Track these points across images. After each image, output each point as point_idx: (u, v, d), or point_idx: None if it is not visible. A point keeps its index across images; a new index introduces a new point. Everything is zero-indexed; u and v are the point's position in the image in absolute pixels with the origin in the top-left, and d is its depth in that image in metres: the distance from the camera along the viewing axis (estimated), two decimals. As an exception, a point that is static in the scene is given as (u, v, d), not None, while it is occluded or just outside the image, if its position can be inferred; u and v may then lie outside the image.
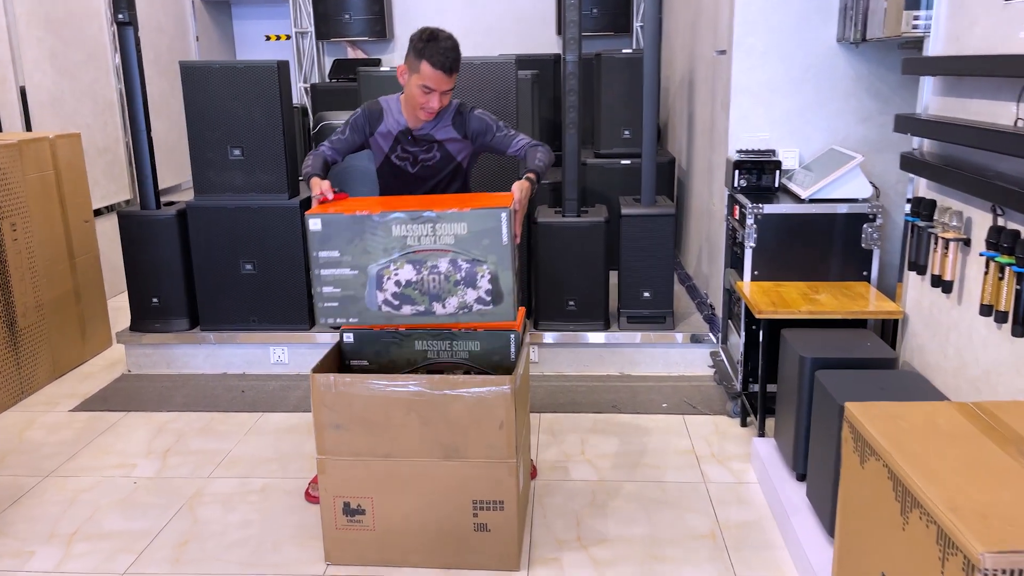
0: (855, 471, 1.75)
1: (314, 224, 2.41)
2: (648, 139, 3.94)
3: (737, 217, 3.57)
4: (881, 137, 3.67)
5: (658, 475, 3.06)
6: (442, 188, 2.89)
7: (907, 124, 2.69)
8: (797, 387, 2.71)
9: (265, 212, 4.06)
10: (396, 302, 2.44)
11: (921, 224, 2.65)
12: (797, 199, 3.37)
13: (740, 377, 3.44)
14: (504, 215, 2.37)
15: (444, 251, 2.41)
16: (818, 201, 3.31)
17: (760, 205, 3.28)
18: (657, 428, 3.45)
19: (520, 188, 2.59)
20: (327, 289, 2.42)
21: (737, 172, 3.53)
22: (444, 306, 2.43)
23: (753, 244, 3.31)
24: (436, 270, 2.42)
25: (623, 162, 5.00)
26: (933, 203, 2.64)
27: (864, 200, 3.30)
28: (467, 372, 2.65)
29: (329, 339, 4.12)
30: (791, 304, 3.01)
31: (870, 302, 3.02)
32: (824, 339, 2.82)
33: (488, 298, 2.46)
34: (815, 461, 2.55)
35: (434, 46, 2.60)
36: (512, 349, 2.63)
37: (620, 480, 3.02)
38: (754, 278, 3.34)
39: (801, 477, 2.78)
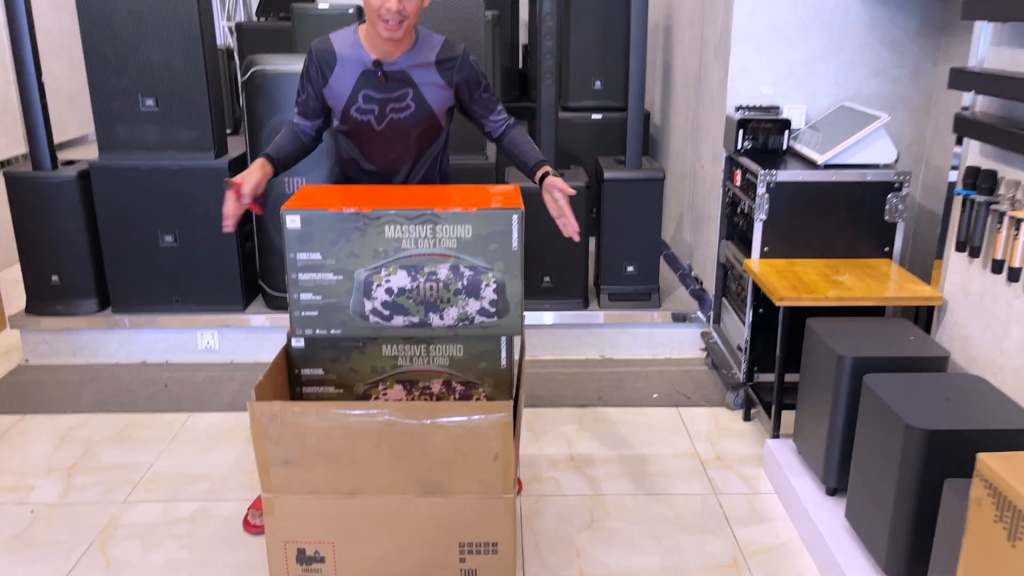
0: (1000, 549, 1.35)
1: (292, 221, 1.96)
2: (635, 90, 3.45)
3: (739, 184, 3.14)
4: (894, 93, 3.26)
5: (661, 486, 2.65)
6: (416, 155, 2.35)
7: (968, 80, 2.27)
8: (833, 390, 2.31)
9: (187, 174, 3.44)
10: (386, 312, 2.00)
11: (980, 199, 2.25)
12: (810, 164, 2.94)
13: (744, 366, 3.04)
14: (516, 217, 1.96)
15: (445, 256, 1.96)
16: (835, 167, 2.89)
17: (773, 172, 2.85)
18: (650, 424, 3.04)
19: (562, 180, 2.16)
20: (306, 296, 1.99)
21: (741, 132, 3.08)
22: (442, 317, 2.01)
23: (764, 216, 2.88)
24: (434, 277, 1.98)
25: (594, 117, 4.50)
26: (993, 174, 2.24)
27: (887, 166, 2.90)
28: (446, 383, 2.17)
29: (265, 321, 3.57)
30: (815, 289, 2.60)
31: (901, 285, 2.64)
32: (859, 331, 2.42)
33: (492, 309, 2.02)
34: (861, 480, 2.17)
35: None
36: (503, 354, 2.15)
37: (618, 493, 2.61)
38: (764, 255, 2.92)
39: (832, 492, 2.40)
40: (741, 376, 3.06)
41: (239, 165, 3.54)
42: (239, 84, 4.25)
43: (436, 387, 2.17)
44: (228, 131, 4.51)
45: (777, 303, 2.57)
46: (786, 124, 3.08)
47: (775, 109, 3.21)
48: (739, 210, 3.14)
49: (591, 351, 3.63)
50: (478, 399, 2.18)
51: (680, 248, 4.20)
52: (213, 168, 3.44)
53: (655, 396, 3.25)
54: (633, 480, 2.68)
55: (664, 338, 3.63)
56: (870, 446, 2.11)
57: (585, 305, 3.61)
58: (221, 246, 3.52)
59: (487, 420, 1.86)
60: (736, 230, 3.29)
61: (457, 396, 2.17)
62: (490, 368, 2.15)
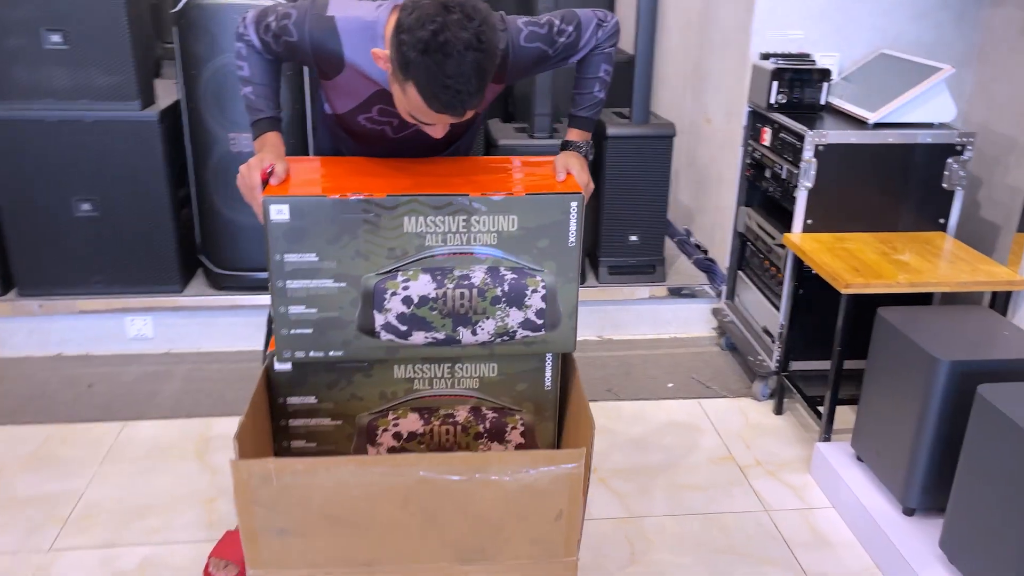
0: None
1: (279, 212, 1.46)
2: (645, 33, 2.98)
3: (768, 143, 2.73)
4: (937, 39, 2.88)
5: (703, 502, 2.28)
6: (440, 151, 1.84)
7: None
8: (923, 397, 1.96)
9: (106, 128, 2.82)
10: (403, 327, 1.54)
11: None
12: (855, 123, 2.55)
13: (777, 353, 2.68)
14: (575, 205, 1.51)
15: (481, 255, 1.47)
16: (887, 126, 2.51)
17: (823, 132, 2.44)
18: (672, 422, 2.67)
19: (580, 166, 1.64)
20: (296, 310, 1.52)
21: (776, 84, 2.66)
22: (474, 332, 1.54)
23: (810, 184, 2.48)
24: (467, 282, 1.49)
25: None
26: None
27: (943, 125, 2.53)
28: (474, 410, 1.71)
29: (208, 302, 3.02)
30: (881, 272, 2.23)
31: (975, 267, 2.29)
32: (941, 324, 2.07)
33: (539, 321, 1.58)
34: (967, 505, 1.83)
35: (435, 72, 1.34)
36: (548, 373, 1.70)
37: (657, 515, 2.22)
38: (807, 228, 2.53)
39: (911, 512, 2.07)
40: (772, 364, 2.70)
41: (172, 118, 2.93)
42: (168, 15, 3.57)
43: (461, 415, 1.71)
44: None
45: (843, 290, 2.19)
46: (825, 75, 2.67)
47: (805, 57, 2.79)
48: (767, 174, 2.74)
49: (588, 331, 3.22)
50: (514, 428, 1.74)
51: (675, 211, 3.80)
52: (139, 120, 2.83)
53: (670, 386, 2.87)
54: (669, 496, 2.30)
55: (669, 315, 3.24)
56: (986, 467, 1.77)
57: (583, 280, 3.18)
58: (151, 214, 2.93)
59: (553, 473, 1.42)
60: (763, 197, 2.89)
61: (488, 425, 1.73)
62: (531, 391, 1.71)
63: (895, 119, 2.50)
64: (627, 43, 4.38)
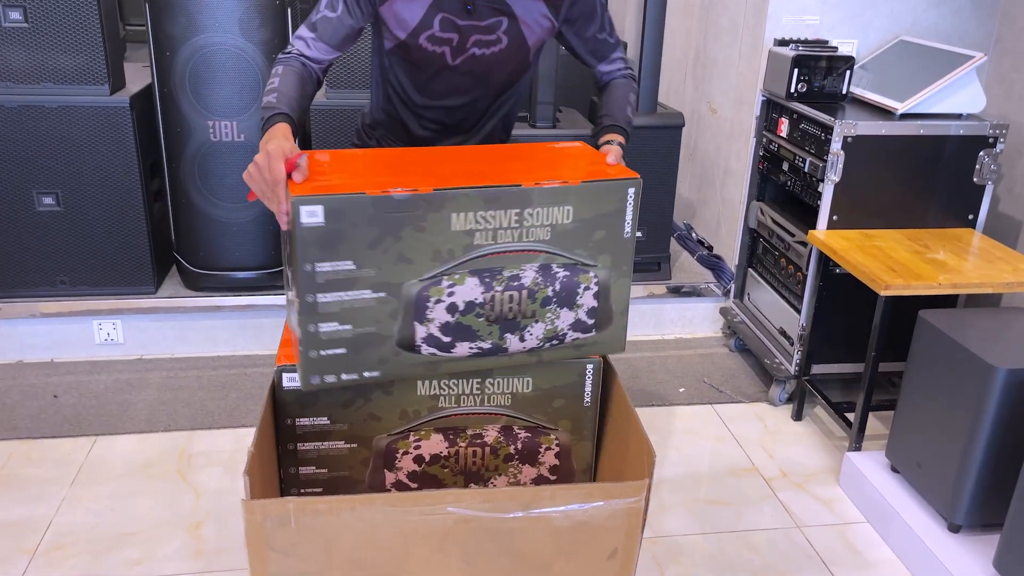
0: None
1: (311, 215, 1.24)
2: (654, 16, 2.81)
3: (786, 134, 2.59)
4: (956, 26, 2.77)
5: (731, 519, 2.13)
6: (492, 101, 1.73)
7: None
8: (975, 407, 1.83)
9: (71, 115, 2.57)
10: (447, 339, 1.35)
11: None
12: (881, 113, 2.42)
13: (798, 356, 2.54)
14: (632, 191, 1.37)
15: (534, 252, 1.31)
16: (915, 117, 2.38)
17: (852, 123, 2.30)
18: (688, 429, 2.52)
19: (617, 154, 1.52)
20: (329, 328, 1.30)
21: (797, 71, 2.52)
22: (522, 339, 1.38)
23: (837, 178, 2.35)
24: (517, 283, 1.32)
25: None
26: None
27: (973, 117, 2.42)
28: (505, 429, 1.54)
29: (183, 304, 2.79)
30: (920, 273, 2.10)
31: (1015, 267, 2.18)
32: (991, 328, 1.94)
33: (590, 321, 1.41)
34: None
35: None
36: (588, 386, 1.53)
37: (685, 533, 2.07)
38: (832, 225, 2.40)
39: (957, 528, 1.95)
40: (792, 368, 2.56)
41: (144, 103, 2.69)
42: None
43: (491, 435, 1.54)
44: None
45: (881, 292, 2.06)
46: (849, 62, 2.53)
47: (823, 44, 2.66)
48: (787, 167, 2.60)
49: (591, 332, 3.05)
50: (548, 448, 1.56)
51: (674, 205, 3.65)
52: (107, 106, 2.59)
53: (681, 391, 2.72)
54: (694, 511, 2.15)
55: (674, 315, 3.09)
56: (1051, 488, 1.64)
57: (584, 278, 3.01)
58: (121, 208, 2.69)
59: (610, 508, 1.25)
60: (779, 191, 2.75)
61: (520, 446, 1.55)
62: (569, 407, 1.54)
63: (923, 110, 2.38)
64: (620, 29, 4.23)
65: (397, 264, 1.29)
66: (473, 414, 1.51)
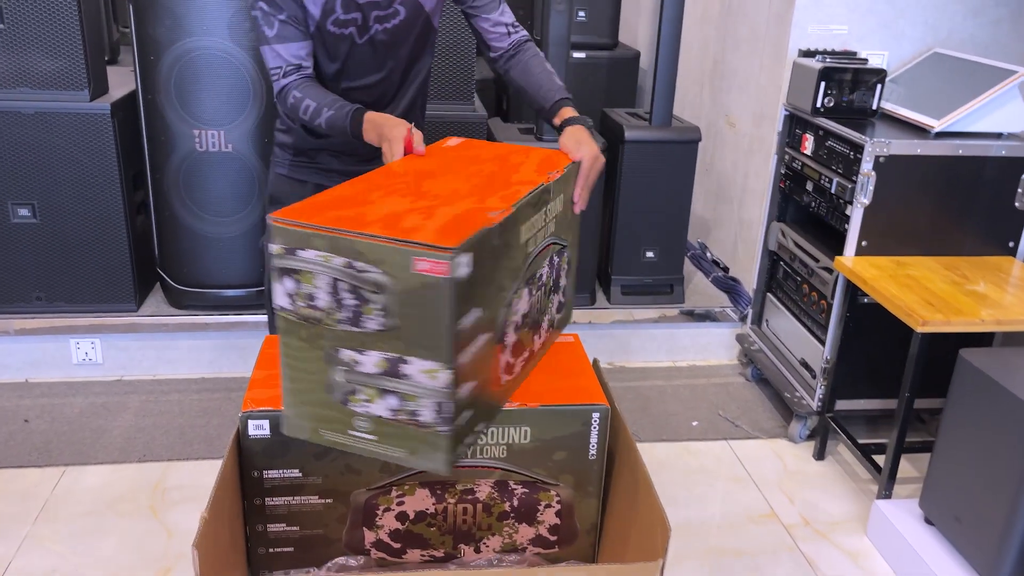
0: None
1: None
2: (670, 22, 2.64)
3: (811, 152, 2.42)
4: (993, 39, 2.59)
5: (746, 572, 1.95)
6: (405, 70, 1.73)
7: None
8: (1021, 463, 1.65)
9: (49, 121, 2.43)
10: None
11: None
12: (916, 131, 2.25)
13: (820, 391, 2.36)
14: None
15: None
16: (951, 135, 2.21)
17: (886, 141, 2.13)
18: (702, 468, 2.34)
19: (590, 137, 1.50)
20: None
21: (824, 84, 2.34)
22: (478, 550, 1.39)
23: (867, 200, 2.17)
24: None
25: (575, 55, 3.66)
26: None
27: (1014, 136, 2.24)
28: (499, 484, 1.36)
29: (166, 322, 2.63)
30: (960, 307, 1.92)
31: (1061, 299, 2.00)
32: (1039, 372, 1.76)
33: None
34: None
35: None
36: (594, 437, 1.36)
37: (697, 589, 1.90)
38: (861, 251, 2.22)
39: (1000, 590, 1.76)
40: (814, 403, 2.38)
41: (127, 111, 2.54)
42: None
43: (483, 490, 1.36)
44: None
45: (918, 329, 1.88)
46: (880, 75, 2.36)
47: (852, 55, 2.48)
48: (811, 187, 2.42)
49: (600, 356, 2.87)
50: (548, 506, 1.39)
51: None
52: (87, 113, 2.44)
53: (695, 424, 2.54)
54: (707, 562, 1.97)
55: (687, 340, 2.91)
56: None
57: (592, 300, 2.84)
58: (101, 221, 2.54)
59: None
60: (802, 212, 2.57)
61: (516, 503, 1.38)
62: (572, 460, 1.36)
63: (960, 128, 2.20)
64: (632, 38, 4.06)
65: (344, 474, 1.27)
66: (463, 467, 1.34)
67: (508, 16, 1.69)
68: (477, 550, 1.41)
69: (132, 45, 2.44)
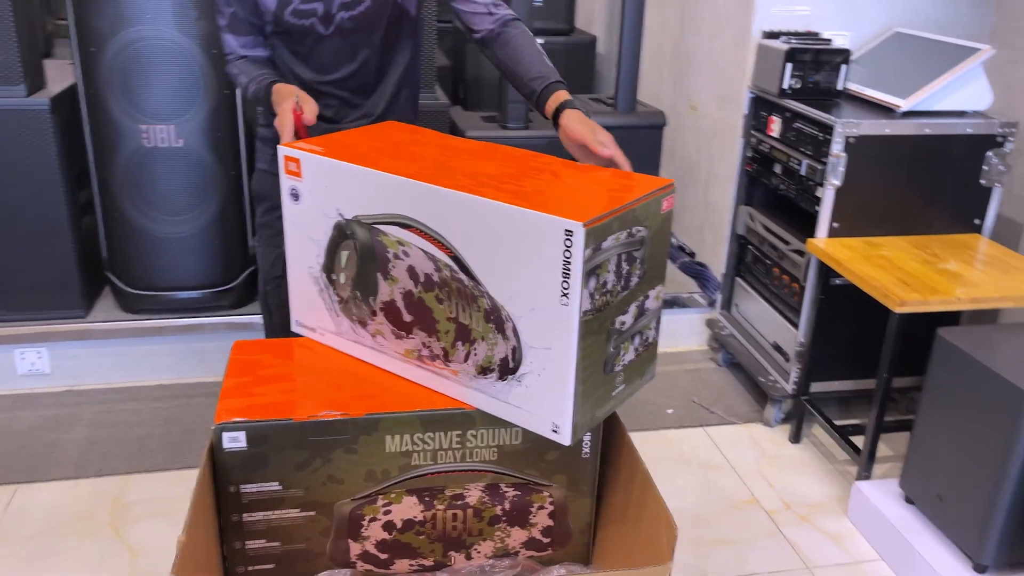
0: None
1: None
2: (632, 7, 2.60)
3: (778, 134, 2.40)
4: (954, 19, 2.61)
5: (734, 561, 1.93)
6: (381, 60, 1.62)
7: None
8: (1006, 436, 1.65)
9: (-17, 119, 2.28)
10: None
11: None
12: (882, 111, 2.24)
13: (796, 374, 2.35)
14: None
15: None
16: (915, 115, 2.21)
17: (855, 122, 2.12)
18: (680, 456, 2.31)
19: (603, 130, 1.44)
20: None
21: (790, 66, 2.33)
22: (469, 556, 1.37)
23: (839, 182, 2.16)
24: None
25: (532, 42, 3.59)
26: None
27: (978, 114, 2.25)
28: (490, 488, 1.30)
29: (118, 328, 2.51)
30: (935, 286, 1.92)
31: (1031, 275, 2.01)
32: (1016, 346, 1.77)
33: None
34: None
35: None
36: (587, 437, 1.31)
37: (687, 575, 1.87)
38: (833, 232, 2.21)
39: (982, 568, 1.77)
40: (789, 386, 2.37)
41: (67, 106, 2.41)
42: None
43: (473, 495, 1.30)
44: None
45: (897, 309, 1.87)
46: (844, 55, 2.35)
47: (815, 36, 2.47)
48: (779, 170, 2.41)
49: (569, 349, 2.84)
50: (540, 507, 1.34)
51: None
52: (25, 109, 2.30)
53: (670, 412, 2.52)
54: (693, 552, 1.95)
55: (657, 328, 2.88)
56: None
57: (561, 290, 2.80)
58: (44, 223, 2.40)
59: (628, 596, 1.03)
60: (770, 195, 2.56)
61: (508, 506, 1.32)
62: (564, 459, 1.31)
63: (926, 107, 2.20)
64: (588, 22, 4.02)
65: (327, 484, 1.21)
66: (453, 472, 1.28)
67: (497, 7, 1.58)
68: (468, 556, 1.35)
69: (71, 37, 2.31)
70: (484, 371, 1.20)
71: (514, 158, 1.32)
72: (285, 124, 1.39)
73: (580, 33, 3.73)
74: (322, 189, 1.25)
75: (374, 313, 1.26)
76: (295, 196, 1.29)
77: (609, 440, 1.36)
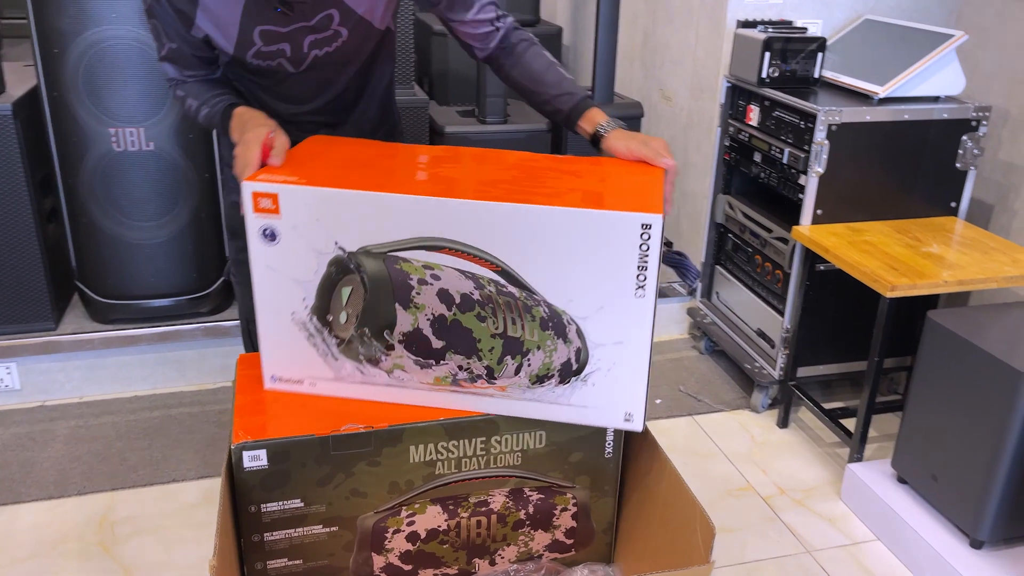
0: None
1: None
2: (608, 1, 2.59)
3: (757, 123, 2.42)
4: (920, 5, 2.65)
5: (737, 548, 1.95)
6: (361, 85, 1.50)
7: None
8: (1000, 416, 1.69)
9: (-60, 127, 2.17)
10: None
11: None
12: (859, 98, 2.27)
13: (782, 360, 2.38)
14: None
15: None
16: (891, 101, 2.24)
17: (837, 109, 2.14)
18: (672, 446, 2.33)
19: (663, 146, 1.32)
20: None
21: (768, 55, 2.34)
22: (493, 562, 1.36)
23: (822, 169, 2.18)
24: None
25: (499, 33, 3.56)
26: None
27: (952, 99, 2.29)
28: (514, 493, 1.29)
29: (91, 340, 2.42)
30: (922, 270, 1.96)
31: (1014, 258, 2.06)
32: (1006, 329, 1.81)
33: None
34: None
35: None
36: (610, 436, 1.30)
37: (690, 571, 1.87)
38: (817, 219, 2.24)
39: (978, 544, 1.81)
40: (776, 372, 2.40)
41: (31, 110, 2.31)
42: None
43: (497, 501, 1.29)
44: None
45: (888, 294, 1.90)
46: (821, 44, 2.37)
47: (789, 24, 2.49)
48: (759, 159, 2.43)
49: (552, 342, 2.83)
50: (564, 509, 1.33)
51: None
52: (-15, 115, 2.20)
53: (658, 402, 2.53)
54: (696, 543, 1.96)
55: (638, 318, 2.89)
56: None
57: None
58: (8, 232, 2.30)
59: (674, 598, 1.03)
60: (749, 183, 2.58)
61: (531, 510, 1.31)
62: (588, 460, 1.30)
63: (902, 93, 2.24)
64: (552, 13, 3.99)
65: (350, 499, 1.19)
66: (477, 479, 1.26)
67: (490, 11, 1.43)
68: (492, 562, 1.34)
69: (32, 37, 2.20)
70: (540, 380, 1.19)
71: (502, 160, 1.29)
72: (251, 158, 1.17)
73: (545, 24, 3.71)
74: (312, 223, 1.12)
75: (390, 347, 1.18)
76: (270, 236, 1.14)
77: (630, 438, 1.35)
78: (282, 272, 1.17)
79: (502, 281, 1.14)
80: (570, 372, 1.19)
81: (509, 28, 1.45)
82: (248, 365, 1.34)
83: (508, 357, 1.18)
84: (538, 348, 1.17)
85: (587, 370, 1.18)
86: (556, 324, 1.16)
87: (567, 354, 1.18)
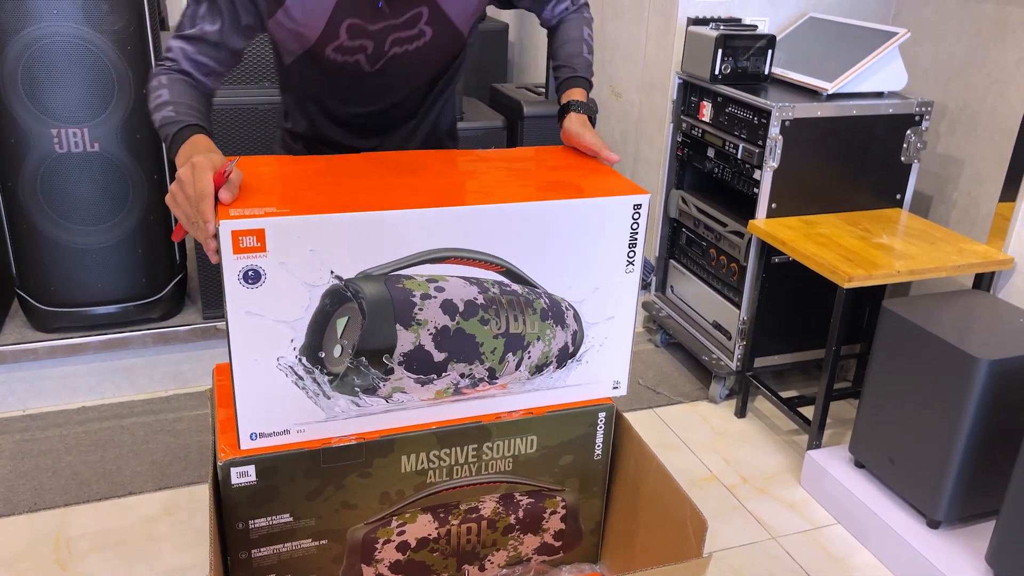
0: None
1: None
2: (562, -3, 2.58)
3: (709, 119, 2.46)
4: (860, 3, 2.73)
5: (707, 538, 1.98)
6: (426, 93, 1.47)
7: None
8: (957, 400, 1.77)
9: None
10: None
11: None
12: (808, 94, 2.33)
13: (740, 351, 2.43)
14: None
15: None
16: (839, 97, 2.31)
17: (790, 105, 2.19)
18: (635, 439, 2.35)
19: (592, 131, 1.37)
20: None
21: (721, 52, 2.38)
22: (483, 567, 1.36)
23: (776, 164, 2.23)
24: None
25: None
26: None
27: (895, 95, 2.37)
28: (505, 498, 1.29)
29: (34, 349, 2.32)
30: (876, 261, 2.02)
31: (959, 248, 2.14)
32: (956, 315, 1.89)
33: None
34: (1021, 518, 1.66)
35: None
36: (599, 437, 1.31)
37: (662, 563, 1.90)
38: (771, 213, 2.29)
39: (935, 524, 1.89)
40: (733, 363, 2.45)
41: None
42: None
43: (487, 507, 1.29)
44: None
45: (845, 285, 1.96)
46: (771, 41, 2.42)
47: (738, 22, 2.54)
48: (713, 154, 2.47)
49: (511, 339, 2.83)
50: (553, 512, 1.33)
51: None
52: (-87, 116, 2.07)
53: (619, 395, 2.55)
54: (665, 535, 1.99)
55: (594, 312, 2.91)
56: (1051, 484, 1.59)
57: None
58: (-57, 242, 2.19)
59: (676, 598, 1.04)
60: (702, 178, 2.62)
61: (521, 515, 1.31)
62: (577, 463, 1.31)
63: (849, 89, 2.30)
64: (498, 11, 3.98)
65: (340, 511, 1.18)
66: (468, 486, 1.25)
67: (564, 1, 1.48)
68: (482, 568, 1.33)
69: (-37, 34, 2.09)
70: (539, 369, 1.21)
71: (455, 161, 1.29)
72: (203, 186, 1.00)
73: (492, 21, 3.70)
74: (305, 256, 1.02)
75: (389, 372, 1.13)
76: (252, 278, 1.02)
77: (618, 439, 1.36)
78: (266, 315, 1.04)
79: (505, 281, 1.14)
80: (567, 356, 1.22)
81: (573, 7, 1.50)
82: (226, 375, 1.31)
83: (510, 354, 1.18)
84: (538, 339, 1.18)
85: (582, 350, 1.23)
86: (555, 312, 1.18)
87: (564, 339, 1.21)
